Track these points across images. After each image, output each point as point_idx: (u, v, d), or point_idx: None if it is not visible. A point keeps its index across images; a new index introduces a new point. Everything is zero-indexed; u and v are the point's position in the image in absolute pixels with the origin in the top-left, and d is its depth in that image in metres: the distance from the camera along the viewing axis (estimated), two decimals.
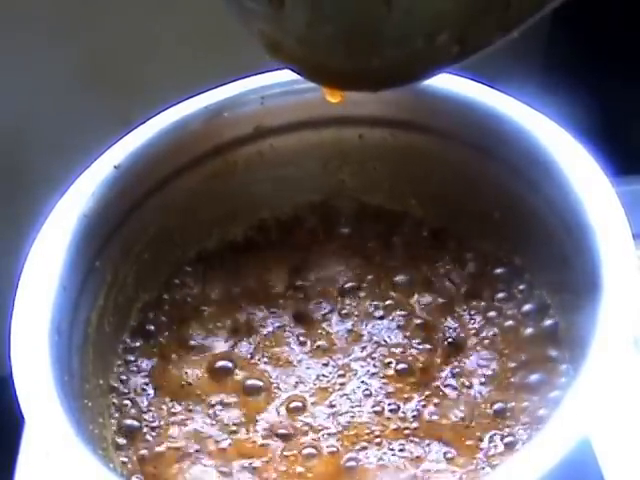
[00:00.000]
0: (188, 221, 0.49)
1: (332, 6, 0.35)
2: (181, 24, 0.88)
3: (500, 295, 0.47)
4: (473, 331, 0.45)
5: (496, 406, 0.42)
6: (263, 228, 0.51)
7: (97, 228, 0.44)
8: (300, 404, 0.43)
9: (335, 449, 0.42)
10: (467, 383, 0.44)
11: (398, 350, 0.45)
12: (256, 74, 0.48)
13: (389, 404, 0.43)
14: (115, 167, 0.45)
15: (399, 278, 0.48)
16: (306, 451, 0.42)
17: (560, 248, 0.43)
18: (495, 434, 0.42)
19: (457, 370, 0.44)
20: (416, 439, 0.42)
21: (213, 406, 0.44)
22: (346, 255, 0.50)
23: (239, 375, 0.45)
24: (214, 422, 0.43)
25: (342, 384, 0.44)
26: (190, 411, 0.44)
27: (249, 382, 0.45)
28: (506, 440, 0.41)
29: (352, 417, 0.43)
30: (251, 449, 0.42)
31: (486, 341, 0.45)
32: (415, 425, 0.42)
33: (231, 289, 0.48)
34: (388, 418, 0.42)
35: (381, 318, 0.47)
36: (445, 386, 0.44)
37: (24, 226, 0.47)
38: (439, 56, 0.37)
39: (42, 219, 0.43)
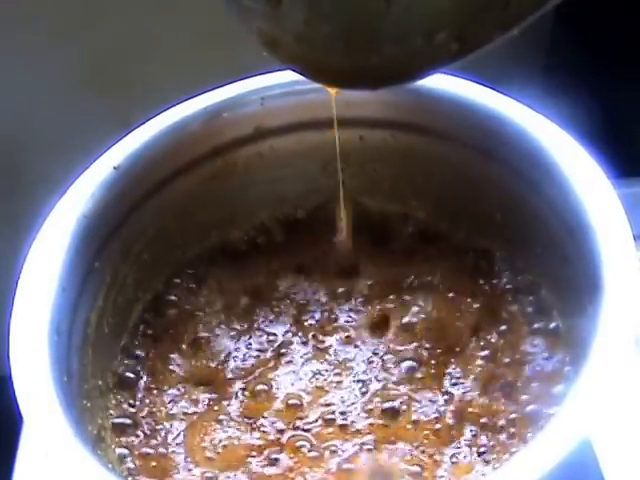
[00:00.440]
0: (187, 222, 0.49)
1: (330, 4, 0.35)
2: (181, 24, 0.88)
3: (501, 296, 0.47)
4: (473, 331, 0.45)
5: (496, 406, 0.42)
6: (263, 229, 0.51)
7: (96, 229, 0.44)
8: (297, 402, 0.43)
9: (334, 449, 0.42)
10: (466, 383, 0.43)
11: (398, 350, 0.45)
12: (256, 75, 0.48)
13: (385, 403, 0.43)
14: (114, 168, 0.45)
15: (399, 279, 0.48)
16: (304, 450, 0.42)
17: (561, 249, 0.43)
18: (495, 435, 0.41)
19: (456, 370, 0.44)
20: (413, 440, 0.42)
21: (213, 406, 0.44)
22: (346, 257, 0.50)
23: (239, 375, 0.45)
24: (213, 422, 0.43)
25: (339, 382, 0.44)
26: (190, 412, 0.44)
27: (249, 382, 0.44)
28: (506, 441, 0.41)
29: (349, 415, 0.43)
30: (251, 449, 0.42)
31: (487, 342, 0.45)
32: (413, 426, 0.42)
33: (231, 290, 0.48)
34: (384, 417, 0.42)
35: (380, 319, 0.47)
36: (445, 386, 0.43)
37: (23, 226, 0.47)
38: (438, 54, 0.37)
39: (41, 220, 0.43)
